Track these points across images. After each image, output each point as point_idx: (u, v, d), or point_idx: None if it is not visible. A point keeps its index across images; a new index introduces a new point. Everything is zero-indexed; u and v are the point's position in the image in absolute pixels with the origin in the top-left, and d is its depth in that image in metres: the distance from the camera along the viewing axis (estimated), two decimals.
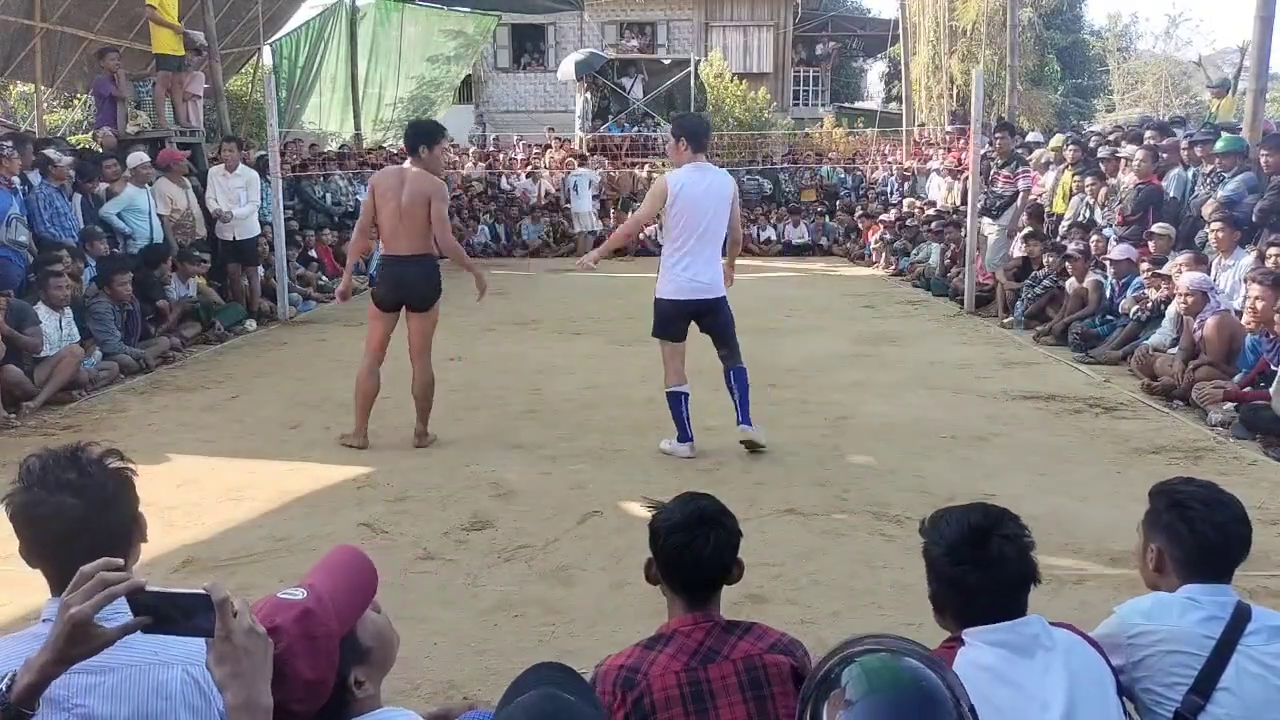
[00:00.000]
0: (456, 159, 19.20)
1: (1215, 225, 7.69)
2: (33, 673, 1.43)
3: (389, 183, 5.79)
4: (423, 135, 5.84)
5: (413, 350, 6.01)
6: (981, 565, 1.93)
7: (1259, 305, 6.26)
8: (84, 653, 1.43)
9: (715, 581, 2.16)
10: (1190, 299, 7.08)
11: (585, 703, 1.51)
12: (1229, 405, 6.29)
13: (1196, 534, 2.13)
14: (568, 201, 17.49)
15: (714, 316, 5.77)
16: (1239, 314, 6.80)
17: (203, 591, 1.42)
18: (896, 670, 1.29)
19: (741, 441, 5.76)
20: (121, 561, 1.49)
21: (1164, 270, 8.00)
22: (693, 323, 5.82)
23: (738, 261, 6.18)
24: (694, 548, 2.11)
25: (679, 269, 5.66)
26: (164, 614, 1.42)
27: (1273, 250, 7.03)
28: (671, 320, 5.73)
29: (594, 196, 17.28)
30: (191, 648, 1.46)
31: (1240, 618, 2.07)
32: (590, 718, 1.55)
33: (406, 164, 5.96)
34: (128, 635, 1.44)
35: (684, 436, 5.75)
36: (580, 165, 17.91)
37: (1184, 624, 2.07)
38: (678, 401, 5.73)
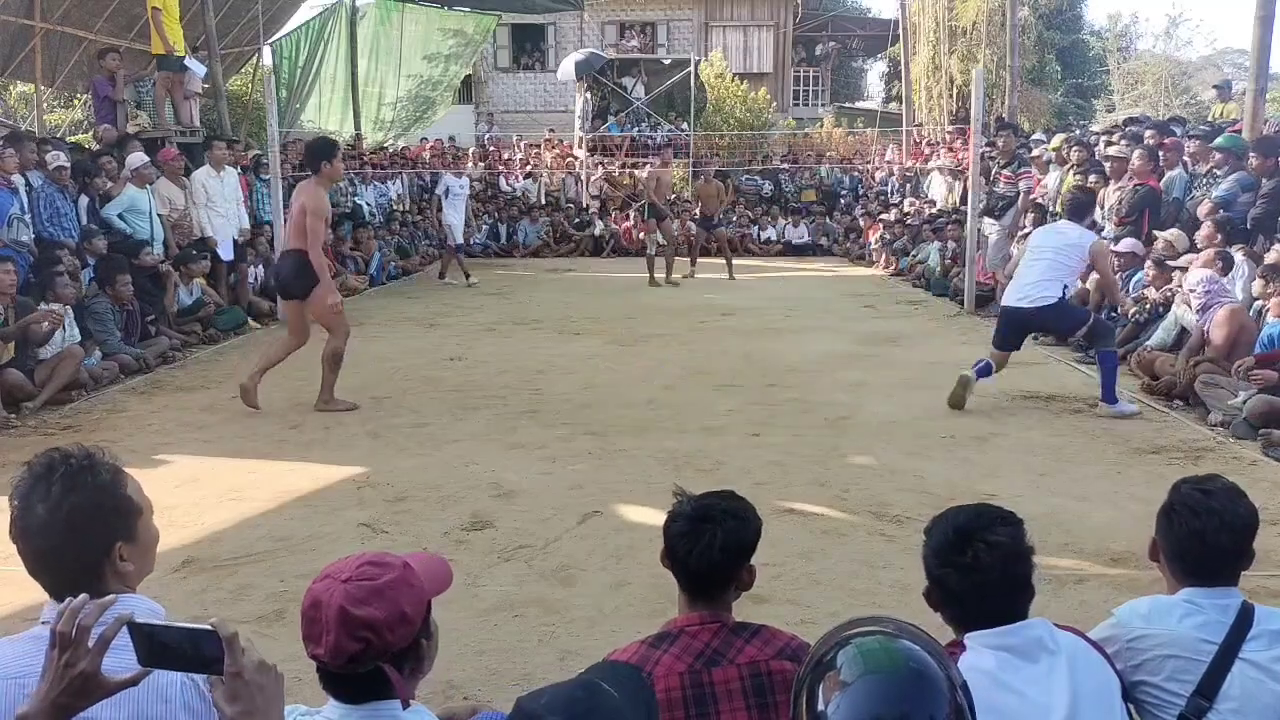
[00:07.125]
0: (462, 159, 19.21)
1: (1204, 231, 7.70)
2: None
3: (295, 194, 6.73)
4: (322, 153, 6.66)
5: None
6: (960, 569, 1.91)
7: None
8: (86, 704, 1.40)
9: (710, 579, 2.10)
10: (1192, 293, 7.16)
11: (629, 703, 1.54)
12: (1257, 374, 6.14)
13: (1177, 537, 2.12)
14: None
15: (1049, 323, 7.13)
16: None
17: (209, 627, 1.38)
18: (892, 651, 1.29)
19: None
20: (114, 599, 1.46)
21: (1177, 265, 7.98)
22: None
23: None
24: (688, 541, 2.08)
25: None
26: (172, 651, 1.39)
27: (1275, 249, 7.05)
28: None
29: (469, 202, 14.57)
30: None
31: (1243, 622, 2.04)
32: (625, 715, 1.56)
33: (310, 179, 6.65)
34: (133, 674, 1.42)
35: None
36: (457, 166, 15.43)
37: (1182, 629, 2.05)
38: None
